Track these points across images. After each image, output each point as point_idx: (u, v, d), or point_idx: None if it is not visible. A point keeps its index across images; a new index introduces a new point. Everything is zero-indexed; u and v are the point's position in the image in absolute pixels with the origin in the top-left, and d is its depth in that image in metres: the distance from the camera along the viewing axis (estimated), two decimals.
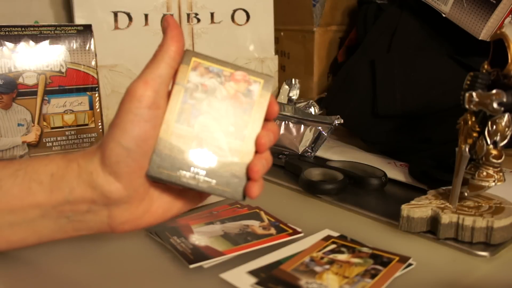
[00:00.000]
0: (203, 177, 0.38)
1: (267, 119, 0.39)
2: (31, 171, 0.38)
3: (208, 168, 0.38)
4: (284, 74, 1.00)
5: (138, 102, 0.36)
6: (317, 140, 0.69)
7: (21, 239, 0.39)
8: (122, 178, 0.36)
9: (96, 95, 0.70)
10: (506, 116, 0.44)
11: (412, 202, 0.49)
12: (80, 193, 0.37)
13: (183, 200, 0.40)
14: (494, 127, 0.44)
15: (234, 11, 0.86)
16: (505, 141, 0.45)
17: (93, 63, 0.70)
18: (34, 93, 0.67)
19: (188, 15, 0.83)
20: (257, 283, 0.38)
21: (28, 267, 0.42)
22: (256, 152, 0.39)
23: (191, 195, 0.40)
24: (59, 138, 0.69)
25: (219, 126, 0.38)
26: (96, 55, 0.70)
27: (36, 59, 0.66)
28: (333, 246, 0.45)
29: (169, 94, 0.38)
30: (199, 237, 0.45)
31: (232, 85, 0.39)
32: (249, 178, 0.39)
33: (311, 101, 0.77)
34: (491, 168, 0.46)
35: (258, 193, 0.39)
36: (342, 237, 0.46)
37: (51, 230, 0.39)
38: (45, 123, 0.68)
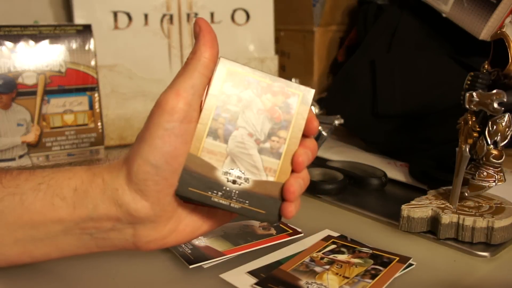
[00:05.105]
0: (235, 197, 0.35)
1: (305, 135, 0.37)
2: (54, 184, 0.36)
3: (241, 187, 0.36)
4: (284, 74, 1.00)
5: (169, 115, 0.34)
6: (317, 140, 0.69)
7: (43, 254, 0.38)
8: (149, 196, 0.35)
9: (96, 95, 0.70)
10: (507, 116, 0.44)
11: (412, 202, 0.49)
12: (104, 210, 0.35)
13: (212, 219, 0.38)
14: (495, 127, 0.44)
15: (234, 11, 0.86)
16: (506, 141, 0.45)
17: (92, 63, 0.70)
18: (34, 93, 0.67)
19: (188, 15, 0.83)
20: (257, 283, 0.38)
21: (27, 265, 0.42)
22: (293, 171, 0.36)
23: (220, 213, 0.39)
24: (58, 138, 0.69)
25: (254, 143, 0.36)
26: (95, 55, 0.70)
27: (35, 59, 0.66)
28: (333, 246, 0.44)
29: (201, 105, 0.36)
30: (199, 237, 0.45)
31: (269, 97, 0.36)
32: (284, 198, 0.36)
33: None
34: (491, 168, 0.46)
35: (294, 214, 0.36)
36: (342, 237, 0.46)
37: (74, 246, 0.37)
38: (44, 123, 0.68)
